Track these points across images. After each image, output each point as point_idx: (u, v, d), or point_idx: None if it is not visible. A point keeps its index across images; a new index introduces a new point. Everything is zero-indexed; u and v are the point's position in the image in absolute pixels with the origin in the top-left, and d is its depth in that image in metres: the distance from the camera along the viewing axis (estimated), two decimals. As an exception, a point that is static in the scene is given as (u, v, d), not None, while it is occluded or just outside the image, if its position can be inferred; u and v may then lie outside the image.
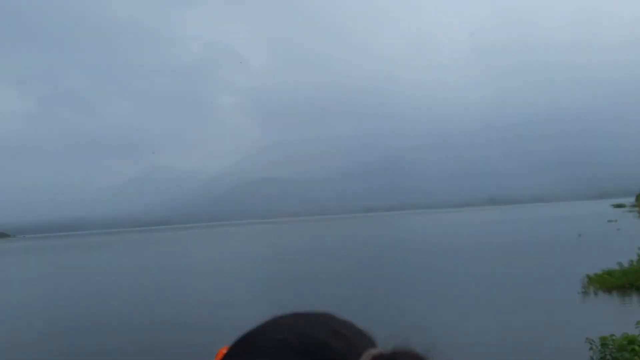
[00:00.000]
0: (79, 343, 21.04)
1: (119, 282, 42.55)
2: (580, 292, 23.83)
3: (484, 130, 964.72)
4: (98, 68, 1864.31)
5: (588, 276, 25.40)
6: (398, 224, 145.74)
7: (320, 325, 1.14)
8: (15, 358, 19.48)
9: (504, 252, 44.86)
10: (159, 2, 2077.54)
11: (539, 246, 48.15)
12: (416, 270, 37.00)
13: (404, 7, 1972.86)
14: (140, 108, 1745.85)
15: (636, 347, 11.21)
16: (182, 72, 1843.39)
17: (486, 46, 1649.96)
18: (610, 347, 11.90)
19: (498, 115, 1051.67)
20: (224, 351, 1.13)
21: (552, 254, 40.62)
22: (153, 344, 19.65)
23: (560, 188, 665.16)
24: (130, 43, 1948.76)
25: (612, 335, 12.15)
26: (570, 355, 14.08)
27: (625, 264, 26.66)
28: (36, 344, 21.13)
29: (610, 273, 25.38)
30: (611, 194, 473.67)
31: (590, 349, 12.26)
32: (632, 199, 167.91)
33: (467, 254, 45.02)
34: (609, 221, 76.78)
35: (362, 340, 1.14)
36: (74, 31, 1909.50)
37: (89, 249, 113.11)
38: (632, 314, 17.73)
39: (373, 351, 1.15)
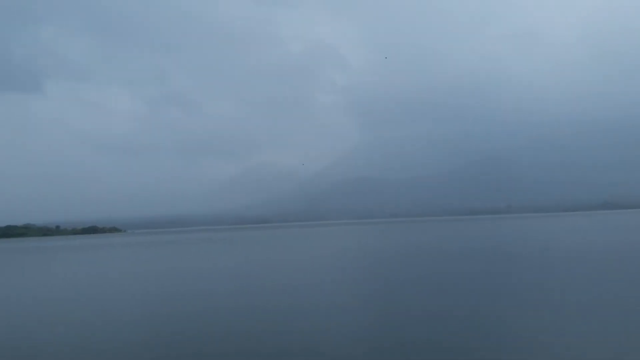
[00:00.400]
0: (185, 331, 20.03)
1: (224, 279, 42.06)
2: None
3: (598, 129, 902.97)
4: (203, 69, 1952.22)
5: None
6: (509, 228, 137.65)
7: None
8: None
9: (632, 262, 40.84)
10: (262, 3, 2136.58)
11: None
12: (540, 281, 32.72)
13: (509, 3, 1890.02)
14: (242, 107, 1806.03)
15: None
16: (283, 72, 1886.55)
17: (599, 40, 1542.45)
18: None
19: (614, 113, 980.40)
20: None
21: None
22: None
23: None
24: (234, 44, 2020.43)
25: None
26: None
27: None
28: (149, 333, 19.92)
29: None
30: None
31: None
32: None
33: (590, 264, 41.07)
34: None
35: None
36: (180, 33, 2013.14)
37: (194, 245, 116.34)
38: None
39: None
